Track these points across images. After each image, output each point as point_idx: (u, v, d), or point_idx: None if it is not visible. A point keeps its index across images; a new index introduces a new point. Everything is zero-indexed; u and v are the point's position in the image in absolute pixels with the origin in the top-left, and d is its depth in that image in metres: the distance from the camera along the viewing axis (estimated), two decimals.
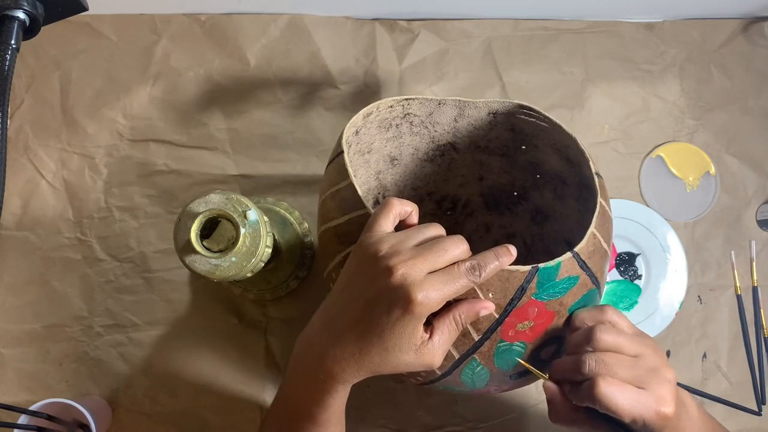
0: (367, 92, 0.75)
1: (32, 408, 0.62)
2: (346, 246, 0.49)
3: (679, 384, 0.71)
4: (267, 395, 0.70)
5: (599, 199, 0.48)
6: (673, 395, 0.45)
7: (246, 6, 0.74)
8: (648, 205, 0.75)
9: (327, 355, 0.43)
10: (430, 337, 0.43)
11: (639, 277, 0.74)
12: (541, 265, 0.45)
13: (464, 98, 0.57)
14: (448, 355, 0.48)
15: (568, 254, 0.46)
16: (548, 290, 0.46)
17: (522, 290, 0.45)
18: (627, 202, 0.74)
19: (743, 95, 0.77)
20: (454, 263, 0.42)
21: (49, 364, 0.70)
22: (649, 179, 0.76)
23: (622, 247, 0.74)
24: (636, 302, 0.73)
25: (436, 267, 0.42)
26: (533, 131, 0.58)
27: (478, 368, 0.49)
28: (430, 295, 0.40)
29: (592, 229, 0.47)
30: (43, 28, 0.48)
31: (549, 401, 0.48)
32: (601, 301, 0.72)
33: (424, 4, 0.74)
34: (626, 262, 0.74)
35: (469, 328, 0.46)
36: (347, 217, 0.49)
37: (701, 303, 0.74)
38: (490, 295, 0.45)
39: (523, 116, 0.57)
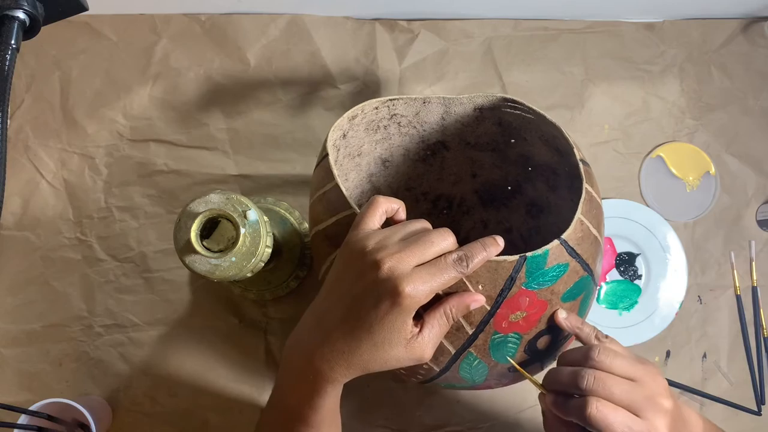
0: (367, 92, 0.75)
1: (32, 408, 0.62)
2: (335, 248, 0.49)
3: (679, 384, 0.72)
4: (267, 395, 0.70)
5: (585, 185, 0.48)
6: (668, 426, 0.44)
7: (246, 6, 0.74)
8: (648, 205, 0.75)
9: (315, 355, 0.43)
10: (420, 331, 0.42)
11: (639, 277, 0.74)
12: (529, 254, 0.45)
13: (448, 95, 0.57)
14: (445, 351, 0.48)
15: (556, 242, 0.46)
16: (538, 279, 0.46)
17: (511, 280, 0.45)
18: (627, 202, 0.74)
19: (743, 95, 0.77)
20: (441, 255, 0.42)
21: (49, 364, 0.70)
22: (649, 179, 0.76)
23: (622, 247, 0.74)
24: (636, 302, 0.73)
25: (424, 260, 0.41)
26: (520, 124, 0.58)
27: (476, 362, 0.49)
28: (418, 288, 0.40)
29: (578, 215, 0.47)
30: (43, 28, 0.48)
31: (544, 413, 0.48)
32: (602, 301, 0.73)
33: (424, 4, 0.74)
34: (626, 262, 0.74)
35: (462, 321, 0.46)
36: (335, 219, 0.49)
37: (701, 303, 0.74)
38: (480, 287, 0.45)
39: (508, 109, 0.57)
